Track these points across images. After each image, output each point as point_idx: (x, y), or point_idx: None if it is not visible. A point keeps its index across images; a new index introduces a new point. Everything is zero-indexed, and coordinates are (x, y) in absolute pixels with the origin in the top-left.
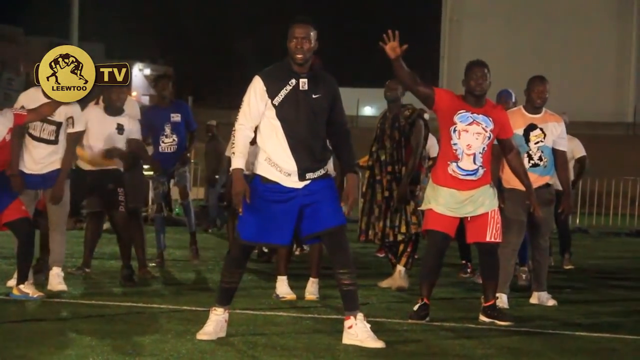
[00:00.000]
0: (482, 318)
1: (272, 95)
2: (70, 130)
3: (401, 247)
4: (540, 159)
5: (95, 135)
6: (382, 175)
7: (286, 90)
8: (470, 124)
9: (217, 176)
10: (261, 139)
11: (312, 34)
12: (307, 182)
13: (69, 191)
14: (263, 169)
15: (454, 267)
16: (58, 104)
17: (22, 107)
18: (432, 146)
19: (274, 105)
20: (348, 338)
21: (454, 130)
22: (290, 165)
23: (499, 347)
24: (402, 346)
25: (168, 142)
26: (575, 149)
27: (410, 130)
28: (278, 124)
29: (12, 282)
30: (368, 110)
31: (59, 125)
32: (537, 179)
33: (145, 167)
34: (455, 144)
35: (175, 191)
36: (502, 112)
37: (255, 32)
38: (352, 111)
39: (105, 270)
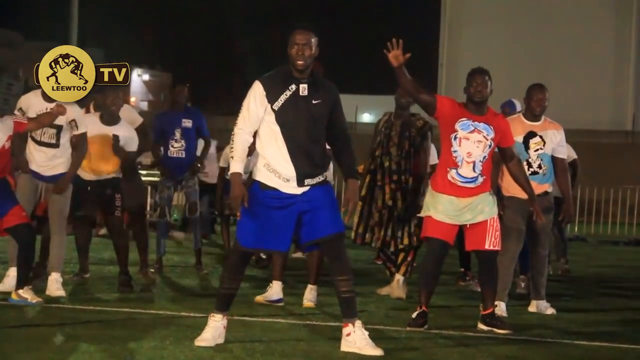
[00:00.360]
0: (481, 326)
1: (271, 100)
2: (75, 132)
3: (401, 256)
4: (539, 166)
5: (91, 145)
6: (384, 181)
7: (286, 95)
8: (471, 132)
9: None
10: (260, 144)
11: (313, 40)
12: (306, 188)
13: (69, 199)
14: (262, 175)
15: (453, 275)
16: (57, 114)
17: (20, 109)
18: (432, 155)
19: (273, 110)
20: (346, 345)
21: (455, 138)
22: (289, 170)
23: (498, 355)
24: (401, 354)
25: (177, 147)
26: (568, 155)
27: (420, 142)
28: (277, 129)
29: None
30: (367, 117)
31: (59, 128)
32: (536, 187)
33: (143, 172)
34: (455, 151)
35: (176, 197)
36: (504, 120)
37: (254, 38)
38: (350, 118)
39: (103, 276)
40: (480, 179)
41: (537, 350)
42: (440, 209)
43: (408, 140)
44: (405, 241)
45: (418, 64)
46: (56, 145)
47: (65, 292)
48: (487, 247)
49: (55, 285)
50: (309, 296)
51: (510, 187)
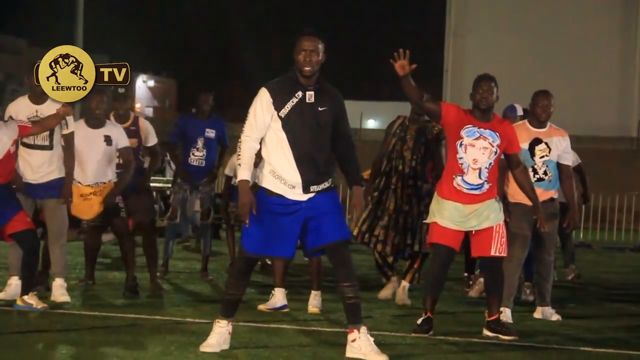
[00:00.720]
0: (486, 332)
1: (278, 107)
2: (65, 131)
3: (408, 263)
4: (545, 173)
5: (85, 152)
6: (397, 185)
7: (292, 102)
8: (477, 139)
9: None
10: (266, 151)
11: (320, 46)
12: (312, 194)
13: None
14: (267, 182)
15: (458, 281)
16: (63, 115)
17: (10, 117)
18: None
19: (279, 117)
20: (351, 352)
21: (461, 145)
22: (295, 177)
23: None
24: None
25: (198, 156)
26: (573, 160)
27: (435, 149)
28: (284, 135)
29: (2, 295)
30: (371, 123)
31: (51, 129)
32: (542, 193)
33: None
34: (461, 158)
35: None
36: (510, 127)
37: (260, 45)
38: (355, 124)
39: (108, 282)
40: (486, 186)
41: (543, 356)
42: (446, 215)
43: (424, 146)
44: (416, 247)
45: (423, 70)
46: (49, 147)
47: (70, 297)
48: (492, 253)
49: (60, 290)
50: (314, 302)
51: (516, 194)
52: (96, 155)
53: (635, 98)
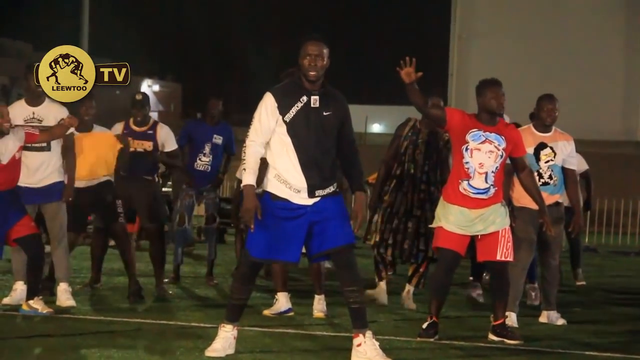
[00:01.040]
0: (492, 337)
1: (283, 111)
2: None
3: (413, 267)
4: (550, 177)
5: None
6: (409, 189)
7: (297, 107)
8: (482, 143)
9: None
10: (271, 155)
11: (325, 51)
12: (317, 199)
13: (66, 208)
14: (272, 186)
15: (464, 286)
16: (69, 126)
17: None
18: None
19: (284, 121)
20: (357, 356)
21: (466, 149)
22: (300, 181)
23: None
24: None
25: (205, 161)
26: (578, 164)
27: (446, 155)
28: (289, 140)
29: (7, 300)
30: (376, 128)
31: (47, 128)
32: (547, 198)
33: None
34: (467, 163)
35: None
36: (515, 130)
37: (265, 50)
38: (360, 128)
39: (113, 286)
40: (492, 190)
41: None
42: (452, 219)
43: (436, 152)
44: (430, 254)
45: (428, 74)
46: (47, 149)
47: (76, 302)
48: (498, 257)
49: (65, 295)
50: (319, 306)
51: (522, 198)
52: (89, 159)
53: None
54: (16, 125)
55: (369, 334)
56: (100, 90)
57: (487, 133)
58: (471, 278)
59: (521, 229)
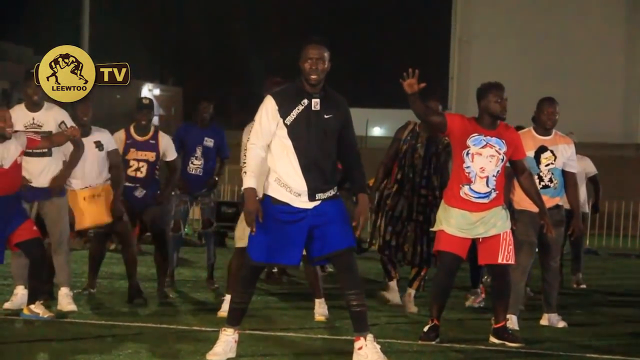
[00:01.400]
0: (492, 339)
1: (284, 114)
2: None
3: (414, 271)
4: (550, 180)
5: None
6: (409, 192)
7: (298, 110)
8: (483, 147)
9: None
10: (272, 158)
11: (326, 54)
12: (317, 202)
13: (68, 212)
14: (273, 190)
15: (464, 289)
16: (69, 137)
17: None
18: None
19: (285, 124)
20: (358, 359)
21: (467, 154)
22: (301, 185)
23: None
24: None
25: (197, 165)
26: (587, 168)
27: (445, 160)
28: (290, 143)
29: (8, 305)
30: (377, 131)
31: (49, 134)
32: (547, 201)
33: None
34: (468, 167)
35: (191, 212)
36: (515, 133)
37: (265, 53)
38: (361, 131)
39: (114, 290)
40: (494, 194)
41: None
42: (453, 223)
43: (435, 156)
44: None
45: (428, 77)
46: (49, 154)
47: (77, 306)
48: (500, 260)
49: (66, 299)
50: (320, 310)
51: (522, 201)
52: (92, 162)
53: None
54: (17, 131)
55: (370, 337)
56: (101, 95)
57: (488, 137)
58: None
59: (522, 232)
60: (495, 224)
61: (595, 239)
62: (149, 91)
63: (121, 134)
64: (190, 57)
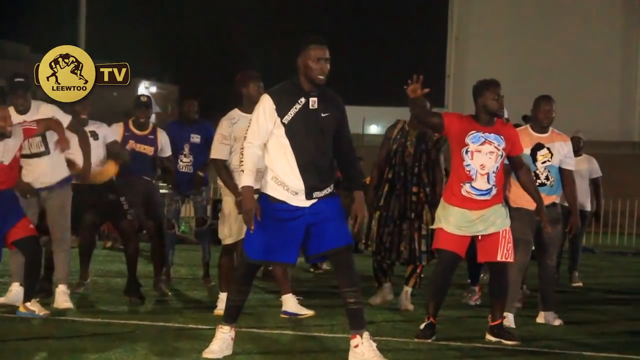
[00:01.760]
0: (489, 337)
1: (281, 113)
2: (65, 124)
3: (410, 269)
4: (547, 178)
5: (77, 154)
6: (401, 192)
7: (296, 108)
8: (482, 144)
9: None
10: (269, 157)
11: (328, 54)
12: (314, 201)
13: (69, 212)
14: (270, 188)
15: (461, 287)
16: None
17: None
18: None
19: (283, 123)
20: (354, 357)
21: (467, 152)
22: (298, 184)
23: None
24: None
25: (186, 162)
26: (592, 169)
27: (436, 156)
28: (287, 142)
29: (2, 300)
30: (374, 129)
31: (43, 134)
32: (544, 198)
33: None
34: (468, 165)
35: (184, 209)
36: (512, 129)
37: (264, 52)
38: (357, 129)
39: (110, 288)
40: (494, 190)
41: None
42: (452, 221)
43: (425, 154)
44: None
45: (425, 74)
46: (46, 152)
47: (73, 304)
48: (499, 258)
49: (62, 297)
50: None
51: (518, 199)
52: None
53: (637, 103)
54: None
55: (366, 334)
56: (98, 92)
57: (487, 134)
58: (469, 281)
59: (518, 230)
60: (494, 221)
61: (591, 237)
62: (145, 89)
63: (119, 126)
64: (187, 55)
